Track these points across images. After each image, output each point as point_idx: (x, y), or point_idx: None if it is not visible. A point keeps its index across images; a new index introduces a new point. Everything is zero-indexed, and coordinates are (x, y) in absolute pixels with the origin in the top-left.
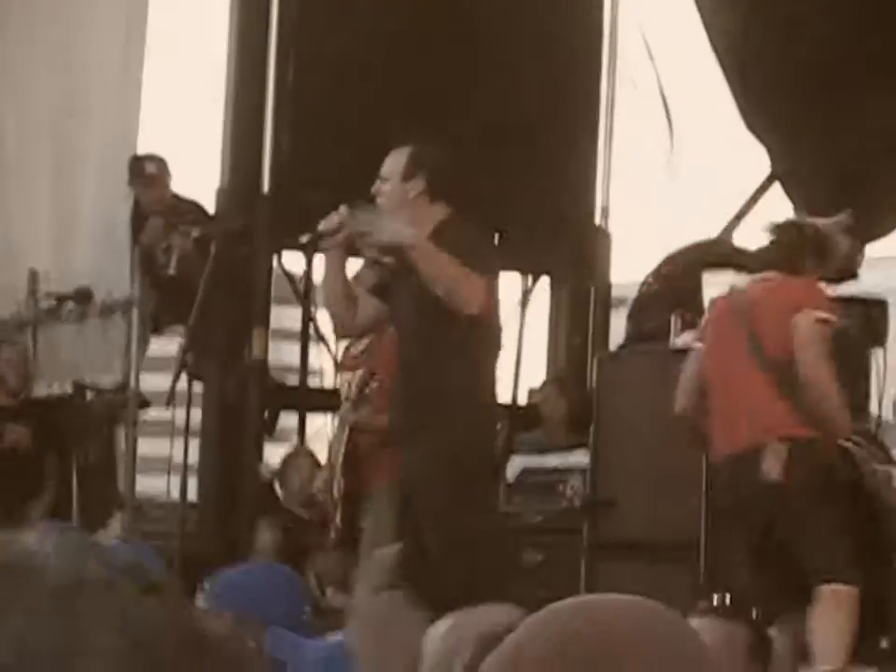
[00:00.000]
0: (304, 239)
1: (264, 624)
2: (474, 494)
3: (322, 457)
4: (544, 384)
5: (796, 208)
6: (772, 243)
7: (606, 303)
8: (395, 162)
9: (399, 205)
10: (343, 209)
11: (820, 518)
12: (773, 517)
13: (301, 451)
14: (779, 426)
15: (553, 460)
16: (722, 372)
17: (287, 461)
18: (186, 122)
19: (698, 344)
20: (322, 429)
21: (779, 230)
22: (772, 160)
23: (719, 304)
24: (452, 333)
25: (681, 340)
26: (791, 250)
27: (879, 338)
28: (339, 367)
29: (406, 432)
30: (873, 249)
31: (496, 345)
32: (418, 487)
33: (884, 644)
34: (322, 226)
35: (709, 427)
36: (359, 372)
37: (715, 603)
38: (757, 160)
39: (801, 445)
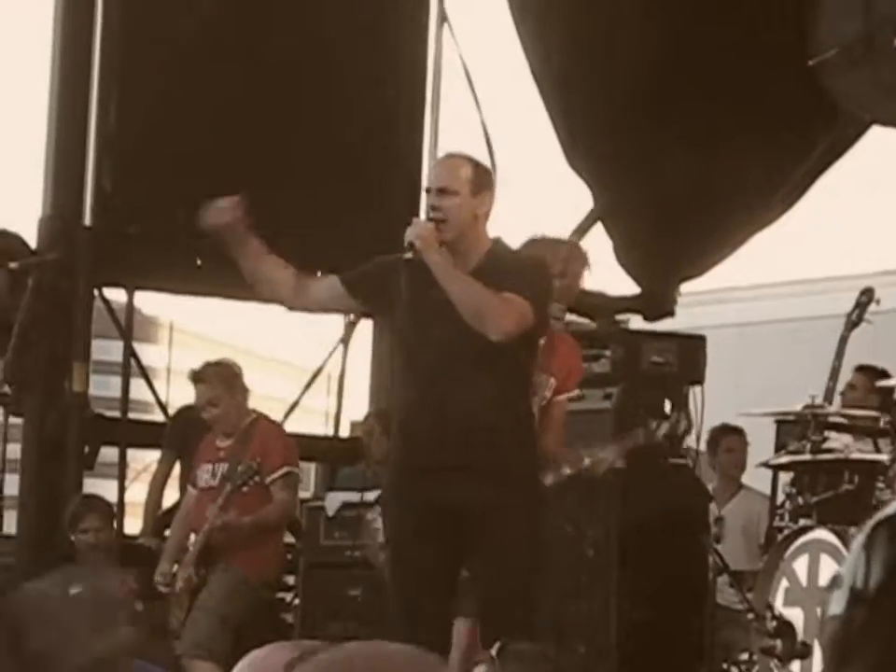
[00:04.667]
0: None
1: None
2: None
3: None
4: (366, 417)
5: (616, 247)
6: None
7: None
8: (461, 173)
9: (469, 224)
10: None
11: None
12: None
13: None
14: None
15: (373, 495)
16: None
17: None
18: (8, 150)
19: None
20: (150, 467)
21: None
22: (593, 198)
23: None
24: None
25: None
26: None
27: (697, 374)
28: (195, 458)
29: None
30: (689, 288)
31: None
32: None
33: None
34: None
35: None
36: (240, 466)
37: None
38: (581, 197)
39: None
